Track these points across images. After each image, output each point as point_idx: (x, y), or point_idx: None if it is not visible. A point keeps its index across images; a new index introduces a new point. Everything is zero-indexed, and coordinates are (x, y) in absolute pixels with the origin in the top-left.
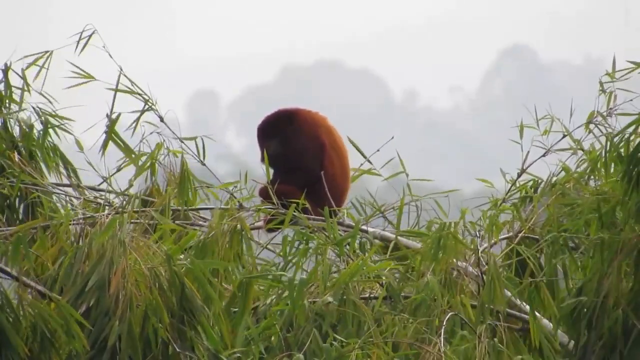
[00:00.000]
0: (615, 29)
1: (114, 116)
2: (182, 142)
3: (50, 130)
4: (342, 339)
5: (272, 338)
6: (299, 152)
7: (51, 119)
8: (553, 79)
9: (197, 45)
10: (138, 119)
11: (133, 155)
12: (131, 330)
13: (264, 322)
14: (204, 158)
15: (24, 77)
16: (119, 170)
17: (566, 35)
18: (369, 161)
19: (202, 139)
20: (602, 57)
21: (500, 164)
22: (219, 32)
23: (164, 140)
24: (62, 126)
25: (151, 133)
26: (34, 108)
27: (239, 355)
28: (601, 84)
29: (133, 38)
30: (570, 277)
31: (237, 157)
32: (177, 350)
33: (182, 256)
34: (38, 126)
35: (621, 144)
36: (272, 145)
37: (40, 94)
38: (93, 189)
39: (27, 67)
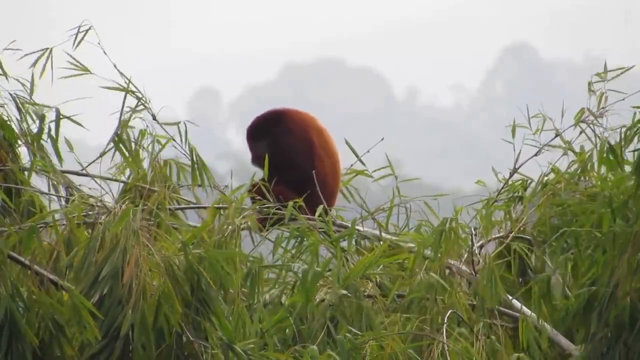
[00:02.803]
0: (615, 27)
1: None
2: (184, 149)
3: (29, 120)
4: (357, 331)
5: (287, 330)
6: (289, 152)
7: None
8: (554, 77)
9: (199, 43)
10: (129, 118)
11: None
12: (144, 319)
13: (278, 314)
14: (185, 142)
15: (0, 65)
16: (98, 158)
17: (567, 34)
18: (361, 161)
19: (184, 123)
20: (603, 54)
21: (500, 162)
22: (221, 30)
23: (147, 127)
24: (71, 118)
25: (134, 118)
26: (10, 94)
27: (252, 346)
28: (590, 84)
29: (136, 36)
30: (566, 275)
31: (237, 154)
32: (191, 339)
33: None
34: (16, 114)
35: (623, 141)
36: (261, 147)
37: (17, 80)
38: (77, 173)
39: (32, 66)
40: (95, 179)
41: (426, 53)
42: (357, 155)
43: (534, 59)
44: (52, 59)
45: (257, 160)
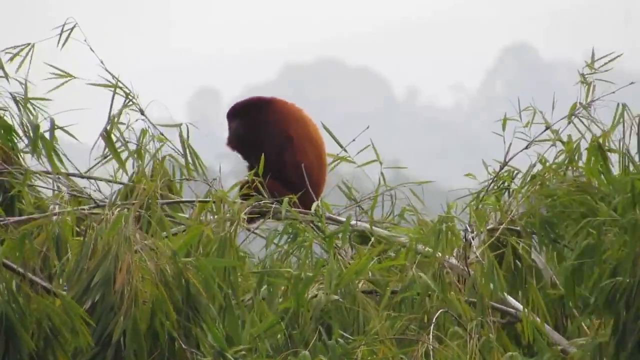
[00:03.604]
0: (615, 27)
1: (112, 118)
2: (182, 147)
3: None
4: (348, 336)
5: (278, 336)
6: (262, 142)
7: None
8: (554, 77)
9: (199, 43)
10: (119, 113)
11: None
12: (136, 326)
13: (269, 320)
14: (187, 140)
15: (0, 65)
16: (100, 162)
17: (567, 34)
18: (342, 147)
19: (187, 125)
20: (603, 55)
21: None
22: (221, 30)
23: (148, 127)
24: (64, 129)
25: (136, 120)
26: (10, 94)
27: (244, 353)
28: (582, 76)
29: (136, 36)
30: (555, 267)
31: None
32: (184, 347)
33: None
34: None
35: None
36: (235, 126)
37: (16, 79)
38: (81, 176)
39: (12, 59)
40: (97, 181)
41: (426, 53)
42: (339, 144)
43: (534, 59)
44: (32, 53)
45: (230, 142)
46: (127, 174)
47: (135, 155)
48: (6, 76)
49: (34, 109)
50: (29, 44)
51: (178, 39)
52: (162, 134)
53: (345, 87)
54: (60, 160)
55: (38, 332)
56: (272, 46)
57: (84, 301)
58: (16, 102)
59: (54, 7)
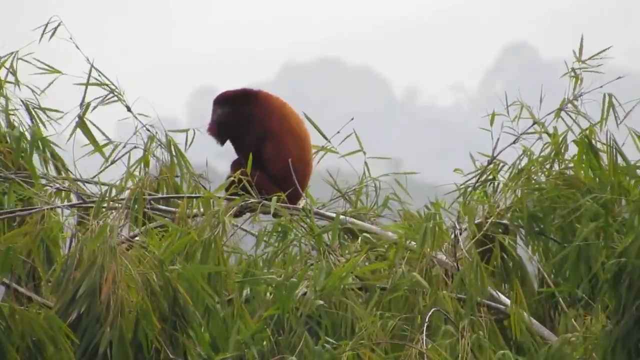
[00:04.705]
0: (615, 27)
1: (85, 105)
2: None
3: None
4: (334, 341)
5: (264, 342)
6: (242, 133)
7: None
8: (554, 76)
9: (199, 43)
10: (96, 106)
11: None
12: (122, 336)
13: (255, 326)
14: (187, 147)
15: (14, 73)
16: (83, 156)
17: (567, 34)
18: (325, 138)
19: (194, 130)
20: (603, 55)
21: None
22: (221, 30)
23: (156, 133)
24: (47, 138)
25: (145, 127)
26: (22, 101)
27: None
28: (574, 70)
29: (136, 36)
30: (542, 263)
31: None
32: (171, 356)
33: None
34: (27, 120)
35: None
36: (218, 114)
37: (28, 87)
38: (86, 181)
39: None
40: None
41: (426, 53)
42: (324, 137)
43: (534, 59)
44: (17, 60)
45: (211, 128)
46: (104, 156)
47: (143, 162)
48: (17, 84)
49: (46, 116)
50: (12, 53)
51: (178, 39)
52: (149, 129)
53: (345, 87)
54: (62, 164)
55: (24, 346)
56: (272, 46)
57: (70, 313)
58: (27, 110)
59: (53, 7)
